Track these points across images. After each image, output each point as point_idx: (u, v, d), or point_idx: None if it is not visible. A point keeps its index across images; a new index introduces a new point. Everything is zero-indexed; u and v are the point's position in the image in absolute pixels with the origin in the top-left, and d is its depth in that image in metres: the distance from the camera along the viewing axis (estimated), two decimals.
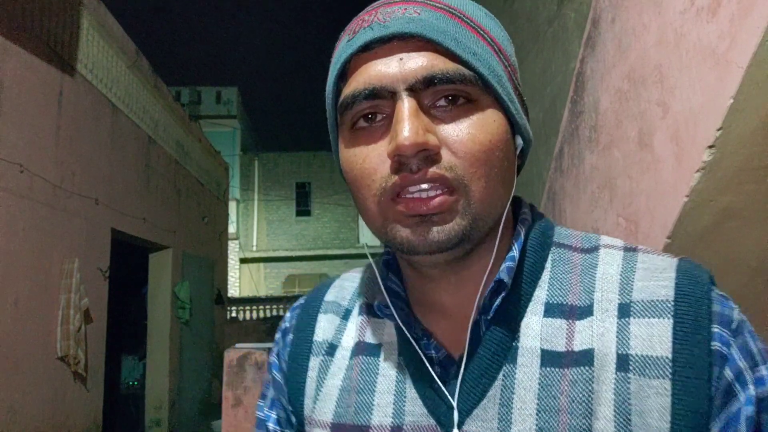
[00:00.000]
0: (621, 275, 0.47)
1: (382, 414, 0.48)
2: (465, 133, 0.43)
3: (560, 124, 2.38)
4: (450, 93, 0.44)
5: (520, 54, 6.45)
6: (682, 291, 0.45)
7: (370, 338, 0.54)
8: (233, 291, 15.58)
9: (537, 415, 0.42)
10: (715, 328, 0.43)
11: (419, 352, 0.48)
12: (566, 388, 0.42)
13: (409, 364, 0.49)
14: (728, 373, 0.42)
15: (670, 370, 0.41)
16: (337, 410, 0.51)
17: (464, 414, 0.45)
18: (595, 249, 0.50)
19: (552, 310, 0.46)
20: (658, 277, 0.46)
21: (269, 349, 3.70)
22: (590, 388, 0.42)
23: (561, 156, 2.36)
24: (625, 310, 0.44)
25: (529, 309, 0.47)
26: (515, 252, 0.48)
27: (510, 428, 0.43)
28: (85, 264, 4.26)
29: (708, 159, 1.30)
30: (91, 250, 4.41)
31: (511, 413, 0.43)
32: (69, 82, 4.13)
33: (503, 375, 0.44)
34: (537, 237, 0.51)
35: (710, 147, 1.28)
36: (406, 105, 0.43)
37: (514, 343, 0.45)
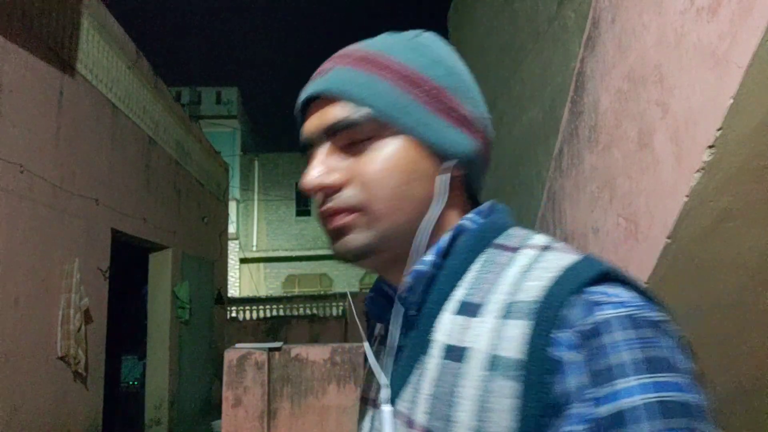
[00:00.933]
0: (518, 275, 0.48)
1: (367, 389, 0.62)
2: (364, 166, 0.52)
3: (560, 124, 2.38)
4: (350, 135, 0.53)
5: (520, 54, 6.46)
6: (549, 291, 0.44)
7: (379, 331, 0.66)
8: (233, 291, 15.58)
9: (430, 400, 0.48)
10: (558, 334, 0.42)
11: (386, 342, 0.57)
12: (448, 378, 0.47)
13: (382, 351, 0.59)
14: (563, 384, 0.40)
15: (519, 373, 0.42)
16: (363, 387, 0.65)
17: (395, 394, 0.53)
18: (519, 249, 0.51)
19: (462, 308, 0.50)
20: (542, 277, 0.46)
21: (269, 349, 3.71)
22: (456, 381, 0.46)
23: (561, 156, 2.36)
24: (506, 310, 0.46)
25: (445, 306, 0.51)
26: (430, 256, 0.53)
27: (415, 410, 0.49)
28: (85, 264, 4.26)
29: (708, 159, 1.30)
30: (91, 251, 4.41)
31: (418, 397, 0.49)
32: (69, 82, 4.12)
33: (419, 364, 0.51)
34: (468, 240, 0.54)
35: (710, 147, 1.28)
36: (316, 153, 0.54)
37: (429, 337, 0.51)
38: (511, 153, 6.82)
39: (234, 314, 11.95)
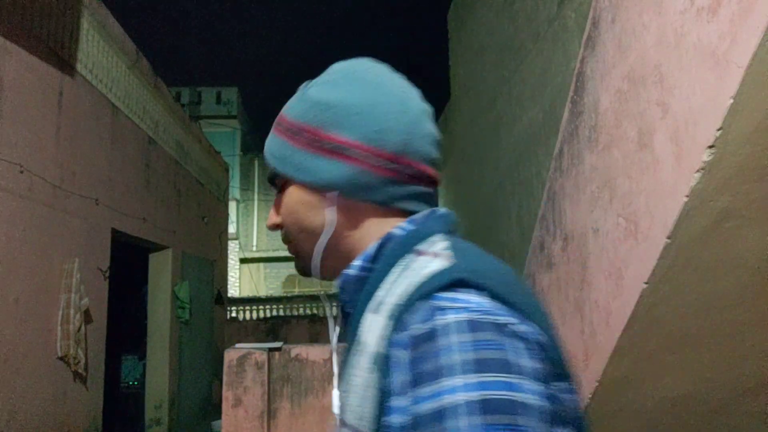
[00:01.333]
0: (399, 277, 0.54)
1: None
2: (281, 211, 0.68)
3: (560, 124, 2.38)
4: (278, 185, 0.69)
5: (520, 54, 6.46)
6: (407, 296, 0.49)
7: None
8: (233, 291, 15.57)
9: (344, 382, 0.57)
10: (396, 335, 0.46)
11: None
12: (351, 371, 0.55)
13: None
14: (389, 381, 0.45)
15: (378, 366, 0.48)
16: None
17: (340, 378, 0.61)
18: (424, 254, 0.55)
19: (375, 307, 0.55)
20: (409, 282, 0.51)
21: (269, 349, 3.70)
22: (353, 372, 0.53)
23: (561, 156, 2.36)
24: (380, 308, 0.53)
25: (369, 306, 0.56)
26: (357, 261, 0.60)
27: (342, 390, 0.58)
28: (85, 264, 4.26)
29: (708, 159, 1.30)
30: (91, 250, 4.41)
31: (343, 380, 0.58)
32: (69, 82, 4.13)
33: (349, 354, 0.57)
34: (393, 246, 0.59)
35: (710, 147, 1.28)
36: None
37: (357, 332, 0.56)
38: (511, 153, 6.82)
39: (234, 314, 11.95)
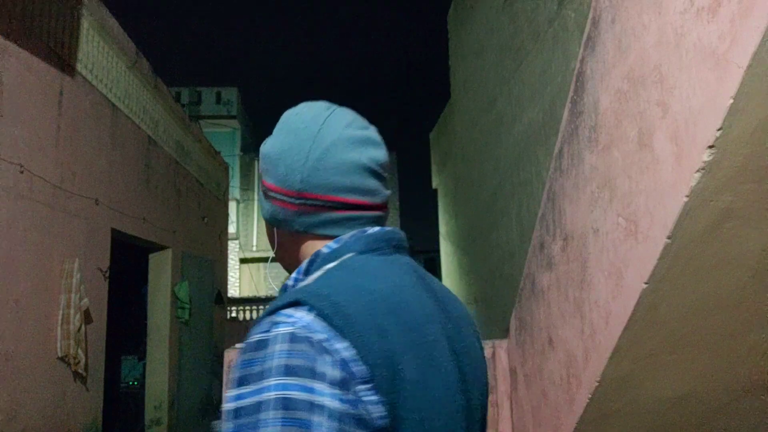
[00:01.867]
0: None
1: None
2: None
3: (560, 124, 2.38)
4: None
5: (520, 54, 6.46)
6: (266, 311, 0.60)
7: None
8: (233, 291, 15.57)
9: None
10: (243, 343, 0.58)
11: None
12: None
13: None
14: (230, 378, 0.54)
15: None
16: None
17: None
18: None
19: None
20: (278, 299, 0.62)
21: None
22: None
23: (561, 156, 2.36)
24: None
25: None
26: (294, 274, 0.73)
27: None
28: (85, 264, 4.26)
29: (708, 159, 1.30)
30: (91, 250, 4.41)
31: None
32: (69, 82, 4.13)
33: None
34: (318, 262, 0.71)
35: (710, 147, 1.28)
36: None
37: None
38: (511, 153, 6.82)
39: (234, 314, 11.95)
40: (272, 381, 0.50)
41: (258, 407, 0.49)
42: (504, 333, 3.66)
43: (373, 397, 0.53)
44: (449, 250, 12.02)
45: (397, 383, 0.55)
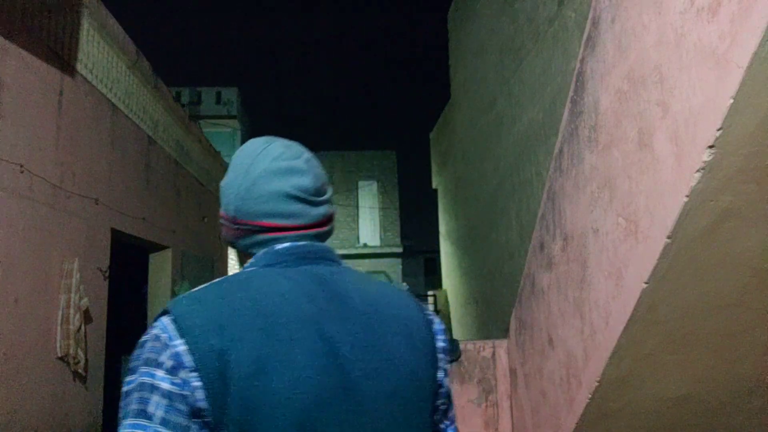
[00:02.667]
0: None
1: None
2: None
3: (560, 124, 2.38)
4: None
5: (520, 54, 6.45)
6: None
7: None
8: None
9: None
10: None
11: None
12: None
13: None
14: None
15: None
16: None
17: None
18: None
19: None
20: None
21: None
22: None
23: (561, 156, 2.36)
24: None
25: None
26: None
27: None
28: (85, 264, 4.26)
29: (708, 159, 1.30)
30: (91, 250, 4.41)
31: None
32: (69, 82, 4.13)
33: None
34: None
35: (710, 147, 1.28)
36: None
37: None
38: (511, 153, 6.82)
39: None
40: (138, 371, 0.70)
41: (131, 390, 0.69)
42: (504, 333, 3.66)
43: (198, 383, 0.67)
44: (449, 250, 12.02)
45: (226, 373, 0.67)
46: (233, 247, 0.91)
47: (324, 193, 0.88)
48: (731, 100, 1.20)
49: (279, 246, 0.84)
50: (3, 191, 3.28)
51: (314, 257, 0.84)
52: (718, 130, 1.25)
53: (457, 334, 11.21)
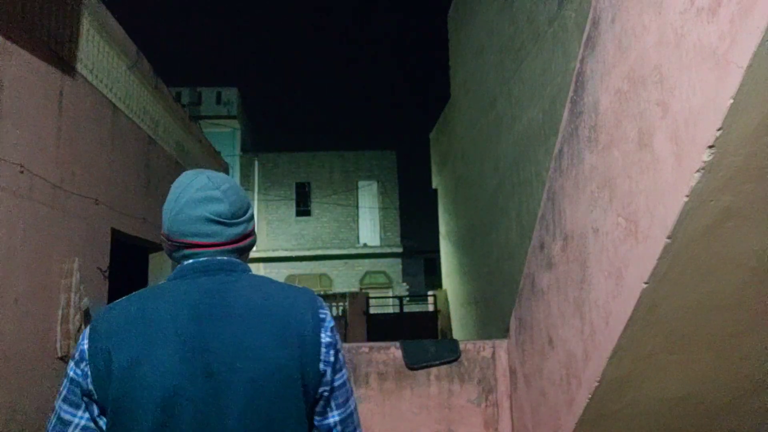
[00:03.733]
0: None
1: None
2: None
3: (560, 124, 2.38)
4: None
5: (520, 54, 6.45)
6: None
7: None
8: None
9: None
10: None
11: None
12: None
13: None
14: None
15: None
16: None
17: None
18: None
19: None
20: None
21: None
22: None
23: (561, 156, 2.36)
24: None
25: None
26: None
27: None
28: (85, 264, 4.26)
29: (708, 159, 1.30)
30: (91, 250, 4.41)
31: None
32: (69, 82, 4.13)
33: None
34: None
35: (710, 147, 1.28)
36: None
37: None
38: (511, 153, 6.82)
39: None
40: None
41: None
42: (504, 333, 3.66)
43: (89, 372, 0.95)
44: (449, 250, 12.01)
45: (111, 365, 0.93)
46: (171, 258, 1.11)
47: (240, 216, 1.09)
48: (731, 100, 1.20)
49: (186, 262, 1.07)
50: (3, 191, 3.28)
51: (214, 270, 1.04)
52: (718, 130, 1.25)
53: (457, 334, 11.21)
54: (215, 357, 0.94)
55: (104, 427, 0.95)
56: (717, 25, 1.23)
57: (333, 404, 1.05)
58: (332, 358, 1.04)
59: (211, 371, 0.93)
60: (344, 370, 1.09)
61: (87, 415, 0.96)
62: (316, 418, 1.05)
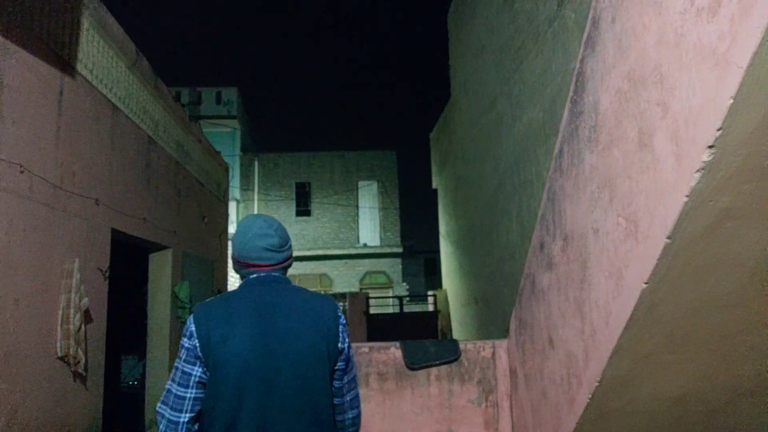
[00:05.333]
0: None
1: None
2: None
3: (560, 124, 2.38)
4: None
5: (520, 54, 6.44)
6: None
7: None
8: None
9: None
10: None
11: None
12: None
13: None
14: None
15: None
16: None
17: None
18: None
19: None
20: None
21: None
22: None
23: (561, 156, 2.36)
24: None
25: None
26: None
27: None
28: (85, 264, 4.26)
29: (708, 159, 1.30)
30: (91, 250, 4.41)
31: None
32: (69, 82, 4.13)
33: None
34: None
35: (710, 147, 1.28)
36: None
37: None
38: (512, 153, 6.82)
39: None
40: (181, 338, 1.51)
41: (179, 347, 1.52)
42: (504, 333, 3.66)
43: (197, 344, 1.46)
44: (449, 250, 12.01)
45: (210, 340, 1.45)
46: (238, 273, 1.65)
47: (285, 245, 1.64)
48: (731, 100, 1.20)
49: (251, 276, 1.61)
50: (3, 191, 3.28)
51: (269, 282, 1.59)
52: (718, 130, 1.25)
53: (457, 334, 11.21)
54: (273, 338, 1.47)
55: (206, 378, 1.46)
56: (717, 25, 1.23)
57: (344, 367, 1.59)
58: (346, 341, 1.58)
59: (270, 348, 1.46)
60: (352, 350, 1.64)
61: (200, 369, 1.47)
62: (336, 380, 1.57)
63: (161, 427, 1.45)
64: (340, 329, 1.57)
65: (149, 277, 6.55)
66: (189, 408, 1.45)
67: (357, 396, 1.64)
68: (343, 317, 1.61)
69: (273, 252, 1.59)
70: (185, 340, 1.49)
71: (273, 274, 1.59)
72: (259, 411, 1.42)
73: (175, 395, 1.45)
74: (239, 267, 1.60)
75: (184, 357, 1.48)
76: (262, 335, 1.46)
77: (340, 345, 1.54)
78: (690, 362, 1.88)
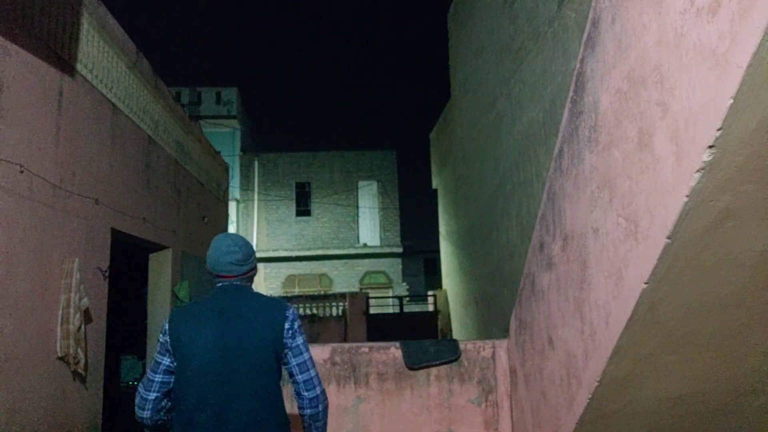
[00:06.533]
0: None
1: None
2: None
3: (560, 124, 2.38)
4: None
5: (520, 54, 6.44)
6: None
7: None
8: None
9: None
10: None
11: None
12: None
13: None
14: None
15: None
16: None
17: None
18: None
19: None
20: None
21: None
22: None
23: (561, 156, 2.36)
24: None
25: None
26: None
27: None
28: (85, 264, 4.26)
29: (708, 159, 1.30)
30: (91, 250, 4.41)
31: None
32: (69, 82, 4.13)
33: None
34: None
35: (710, 147, 1.28)
36: None
37: None
38: (512, 153, 6.82)
39: None
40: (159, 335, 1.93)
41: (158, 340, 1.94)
42: (504, 333, 3.66)
43: (169, 340, 1.87)
44: (449, 250, 12.01)
45: (179, 338, 1.85)
46: (213, 281, 2.00)
47: (248, 260, 2.00)
48: (731, 100, 1.20)
49: (218, 284, 1.99)
50: (3, 191, 3.28)
51: (232, 289, 1.97)
52: (718, 130, 1.25)
53: (457, 334, 11.21)
54: (231, 336, 1.84)
55: (173, 367, 1.85)
56: (717, 25, 1.23)
57: (291, 355, 1.92)
58: (289, 335, 1.92)
59: (228, 344, 1.83)
60: (300, 338, 1.95)
61: (168, 360, 1.86)
62: (284, 364, 1.93)
63: (136, 400, 1.89)
64: (286, 326, 1.91)
65: (149, 277, 6.55)
66: (156, 389, 1.87)
67: (311, 379, 1.92)
68: (292, 316, 1.95)
69: (237, 266, 1.96)
70: (161, 336, 1.89)
71: (235, 283, 1.98)
72: (219, 394, 1.79)
73: (147, 378, 1.87)
74: (211, 277, 1.99)
75: (158, 349, 1.89)
76: (222, 335, 1.83)
77: (284, 339, 1.90)
78: (690, 362, 1.88)
